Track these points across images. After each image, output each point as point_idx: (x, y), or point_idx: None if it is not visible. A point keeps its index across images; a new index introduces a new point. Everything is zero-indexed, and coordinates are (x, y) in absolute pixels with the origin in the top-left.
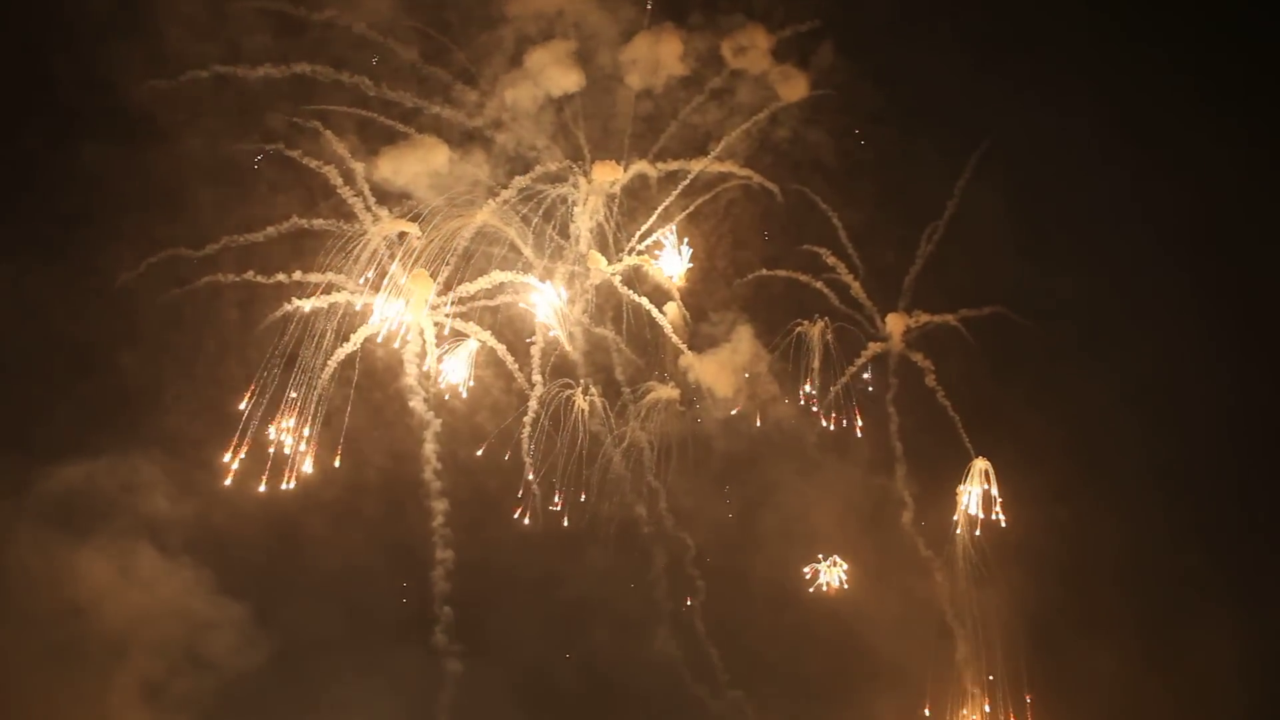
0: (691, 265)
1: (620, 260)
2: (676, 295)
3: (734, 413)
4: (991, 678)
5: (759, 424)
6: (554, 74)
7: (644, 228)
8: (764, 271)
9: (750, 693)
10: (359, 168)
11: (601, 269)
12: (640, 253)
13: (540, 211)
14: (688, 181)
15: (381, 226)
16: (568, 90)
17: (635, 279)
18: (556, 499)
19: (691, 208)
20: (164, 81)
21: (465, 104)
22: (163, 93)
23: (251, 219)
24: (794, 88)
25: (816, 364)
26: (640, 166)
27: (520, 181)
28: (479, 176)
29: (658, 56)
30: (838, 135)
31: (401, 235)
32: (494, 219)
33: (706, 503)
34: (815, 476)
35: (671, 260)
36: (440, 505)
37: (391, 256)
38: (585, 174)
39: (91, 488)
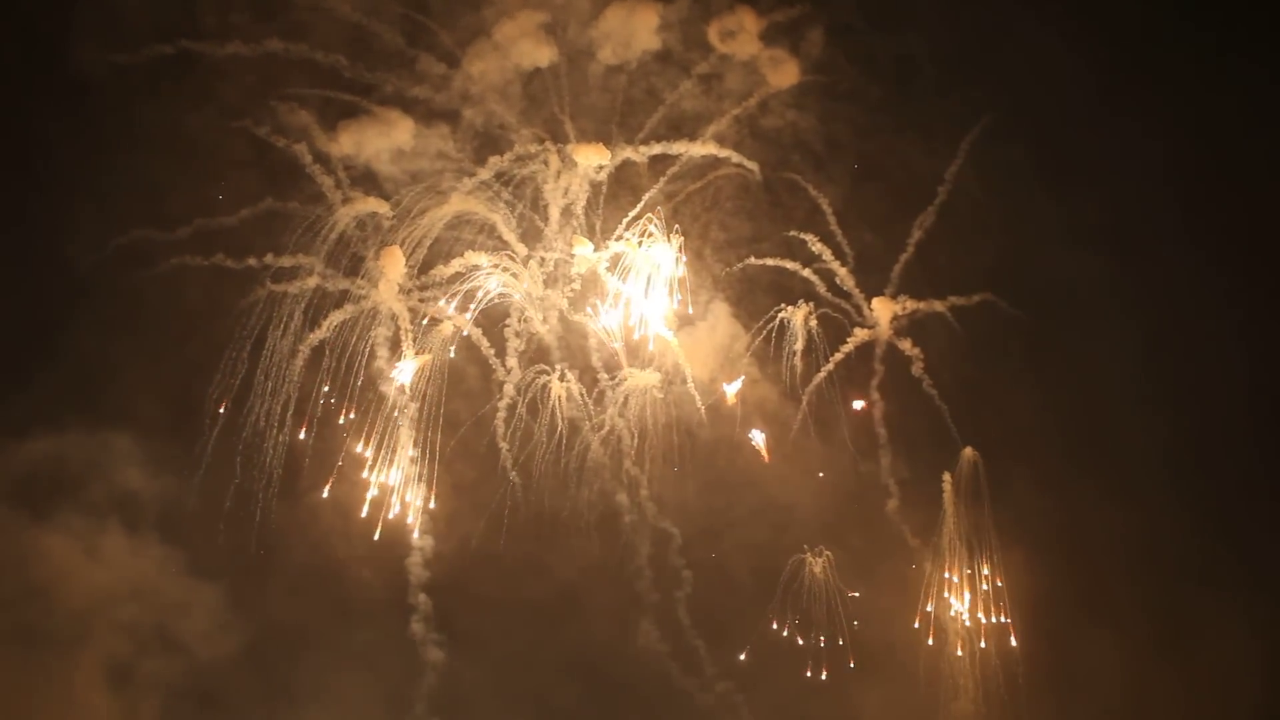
0: (681, 256)
1: (607, 247)
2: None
3: (713, 400)
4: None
5: (739, 410)
6: (525, 47)
7: (632, 214)
8: (752, 260)
9: (740, 685)
10: (333, 149)
11: (586, 255)
12: (627, 239)
13: (510, 188)
14: (676, 168)
15: (351, 206)
16: (539, 64)
17: (621, 265)
18: None
19: (682, 195)
20: (127, 55)
21: (435, 79)
22: (127, 68)
23: (221, 199)
24: (784, 73)
25: (799, 346)
26: (625, 151)
27: (497, 162)
28: (446, 150)
29: (631, 30)
30: (826, 120)
31: (374, 217)
32: (470, 204)
33: (687, 491)
34: (799, 463)
35: (659, 251)
36: (417, 492)
37: (362, 238)
38: (558, 152)
39: (56, 467)
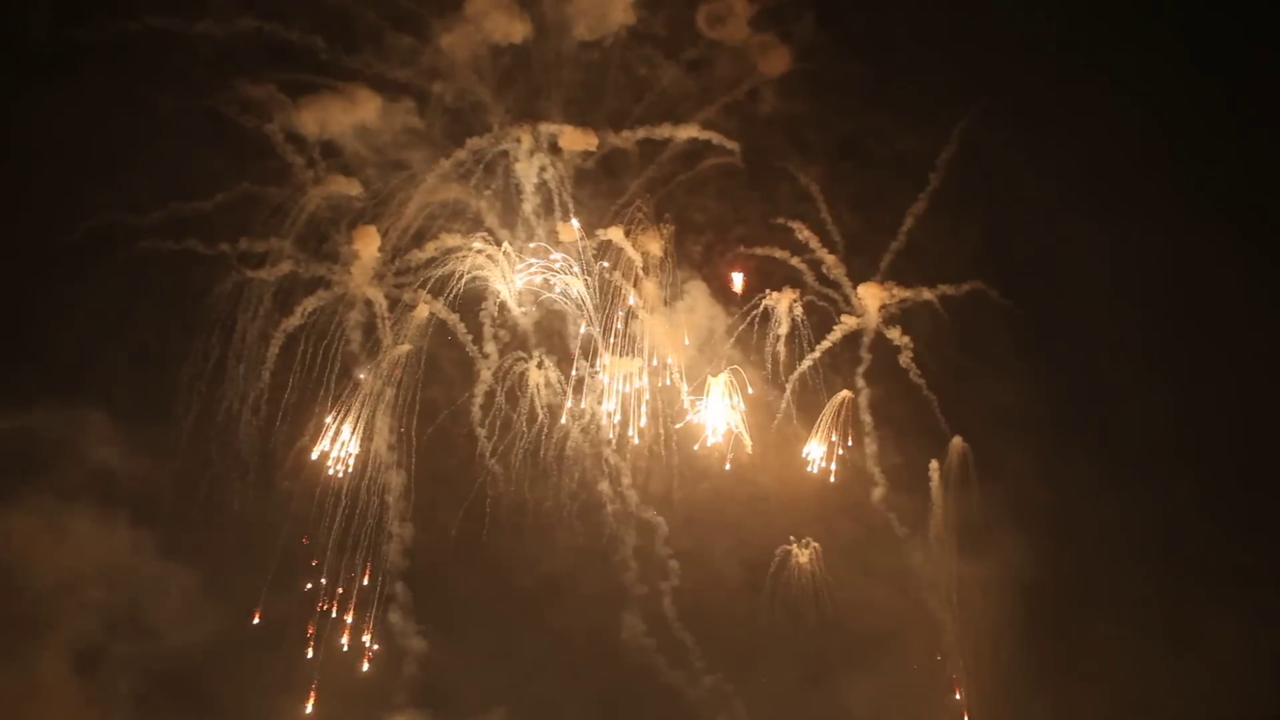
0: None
1: (596, 236)
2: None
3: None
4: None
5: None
6: (497, 21)
7: (620, 201)
8: (742, 249)
9: (729, 677)
10: (304, 128)
11: (572, 240)
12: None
13: (482, 167)
14: (666, 154)
15: (322, 187)
16: (512, 40)
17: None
18: None
19: (672, 183)
20: (91, 33)
21: (404, 54)
22: (96, 48)
23: (195, 182)
24: (775, 60)
25: (783, 332)
26: (612, 139)
27: (477, 144)
28: (415, 126)
29: (607, 4)
30: (817, 106)
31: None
32: (449, 190)
33: (671, 481)
34: (786, 453)
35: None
36: (397, 479)
37: (334, 220)
38: (532, 131)
39: (23, 445)
